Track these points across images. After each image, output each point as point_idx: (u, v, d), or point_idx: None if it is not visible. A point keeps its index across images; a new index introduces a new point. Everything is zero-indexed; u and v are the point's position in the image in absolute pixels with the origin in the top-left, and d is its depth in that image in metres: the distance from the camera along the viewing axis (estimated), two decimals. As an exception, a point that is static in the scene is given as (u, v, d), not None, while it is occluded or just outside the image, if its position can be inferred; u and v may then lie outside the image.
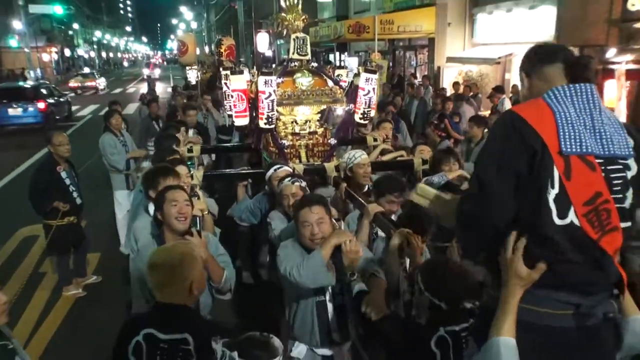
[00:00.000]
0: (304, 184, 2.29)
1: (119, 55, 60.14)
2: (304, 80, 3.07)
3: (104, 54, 50.03)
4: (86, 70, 26.83)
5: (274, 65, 4.37)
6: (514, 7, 7.85)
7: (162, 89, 15.73)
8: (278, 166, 2.54)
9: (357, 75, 3.12)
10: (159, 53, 79.42)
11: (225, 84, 3.55)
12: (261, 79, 2.75)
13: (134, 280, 1.82)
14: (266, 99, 2.79)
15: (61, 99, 12.10)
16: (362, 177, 2.51)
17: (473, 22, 9.42)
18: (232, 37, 11.15)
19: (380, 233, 2.09)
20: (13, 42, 24.81)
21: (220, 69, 4.20)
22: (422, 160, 2.85)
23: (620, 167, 1.03)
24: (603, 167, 1.01)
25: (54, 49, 30.82)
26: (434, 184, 2.55)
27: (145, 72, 25.60)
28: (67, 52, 35.83)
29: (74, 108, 13.18)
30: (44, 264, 3.85)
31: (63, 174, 3.33)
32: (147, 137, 4.96)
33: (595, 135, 1.02)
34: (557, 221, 1.00)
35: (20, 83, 14.17)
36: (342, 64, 12.42)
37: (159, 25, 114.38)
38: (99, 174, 5.25)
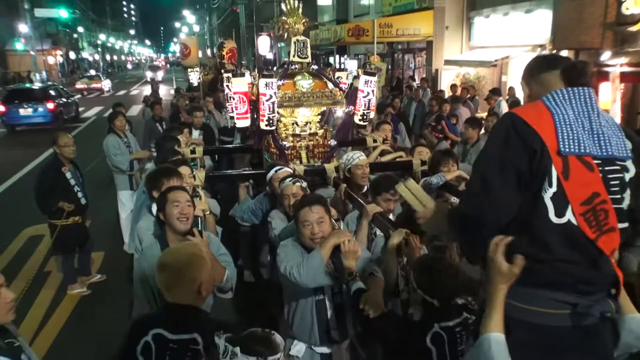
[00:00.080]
0: (304, 184, 2.31)
1: (123, 58, 60.52)
2: (305, 83, 3.11)
3: (108, 57, 50.36)
4: (92, 72, 27.06)
5: (274, 68, 4.42)
6: (511, 10, 7.90)
7: (165, 91, 15.83)
8: (279, 167, 2.56)
9: (356, 77, 3.15)
10: (162, 56, 79.81)
11: (227, 86, 3.59)
12: (262, 82, 2.79)
13: (136, 281, 1.84)
14: (267, 101, 2.83)
15: (69, 100, 12.45)
16: (361, 177, 2.53)
17: (470, 26, 9.48)
18: (234, 40, 11.19)
19: (379, 232, 2.12)
20: (19, 45, 25.06)
21: (222, 71, 4.25)
22: (420, 162, 2.88)
23: (618, 168, 1.05)
24: (601, 168, 1.03)
25: (59, 52, 31.10)
26: (433, 184, 2.58)
27: (149, 74, 25.75)
28: (72, 55, 36.14)
29: (79, 109, 13.43)
30: (49, 263, 3.90)
31: (68, 175, 3.38)
32: (150, 138, 5.02)
33: (593, 137, 1.03)
34: (554, 219, 1.01)
35: (31, 84, 14.51)
36: (342, 66, 12.48)
37: (162, 28, 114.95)
38: (103, 174, 5.31)
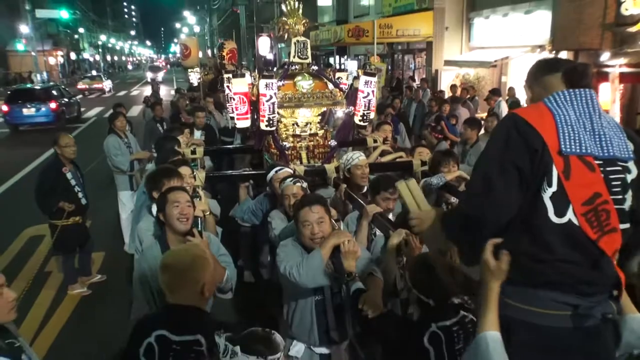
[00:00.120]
0: (305, 184, 2.32)
1: (124, 58, 60.64)
2: (305, 83, 3.11)
3: (108, 58, 50.45)
4: (93, 73, 27.17)
5: (275, 69, 4.43)
6: (510, 11, 7.92)
7: (166, 92, 15.85)
8: (279, 168, 2.57)
9: (356, 78, 3.16)
10: (163, 56, 79.96)
11: (228, 86, 3.60)
12: (262, 82, 2.79)
13: (135, 281, 1.84)
14: (267, 101, 2.83)
15: (71, 100, 12.65)
16: (360, 178, 2.53)
17: (470, 26, 9.50)
18: (234, 40, 11.22)
19: (379, 232, 2.12)
20: (20, 46, 25.15)
21: (223, 72, 4.26)
22: (420, 162, 2.89)
23: (620, 169, 1.05)
24: (602, 169, 1.03)
25: (59, 53, 31.17)
26: (433, 185, 2.58)
27: (149, 75, 25.77)
28: (73, 56, 36.24)
29: (81, 110, 13.56)
30: (50, 263, 3.91)
31: (68, 175, 3.39)
32: (151, 139, 5.02)
33: (594, 137, 1.04)
34: (554, 219, 1.02)
35: (34, 85, 14.71)
36: (342, 67, 12.51)
37: (162, 29, 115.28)
38: (104, 175, 5.32)
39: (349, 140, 3.43)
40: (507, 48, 7.86)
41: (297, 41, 3.08)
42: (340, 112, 3.38)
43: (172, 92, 11.92)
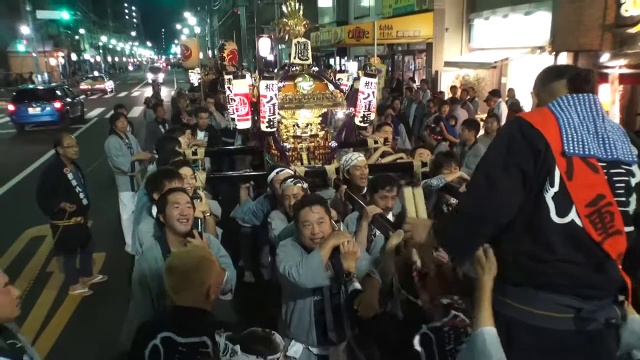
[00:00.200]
0: (305, 185, 2.32)
1: (124, 59, 60.73)
2: (305, 84, 3.12)
3: (109, 59, 50.54)
4: (95, 73, 27.30)
5: (275, 70, 4.44)
6: (510, 13, 7.94)
7: (167, 93, 15.88)
8: (280, 169, 2.57)
9: (357, 79, 3.17)
10: (163, 57, 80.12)
11: (228, 87, 3.62)
12: (263, 83, 2.80)
13: (134, 281, 1.84)
14: (268, 102, 2.84)
15: (75, 100, 13.00)
16: (359, 178, 2.53)
17: (470, 28, 9.52)
18: (235, 42, 11.29)
19: (379, 232, 2.13)
20: (21, 47, 25.21)
21: (224, 73, 4.27)
22: (421, 163, 2.90)
23: (624, 171, 1.05)
24: (606, 171, 1.03)
25: (60, 54, 31.23)
26: (433, 186, 2.58)
27: (149, 76, 25.83)
28: (74, 57, 36.31)
29: (84, 110, 13.74)
30: (51, 263, 3.92)
31: (70, 176, 3.40)
32: (153, 140, 5.03)
33: (598, 140, 1.04)
34: (556, 219, 1.02)
35: (39, 85, 15.05)
36: (342, 68, 12.52)
37: (163, 30, 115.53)
38: (105, 175, 5.33)
39: (350, 141, 3.45)
40: (507, 49, 7.89)
41: (298, 42, 3.10)
42: (340, 113, 3.39)
43: (173, 93, 11.95)
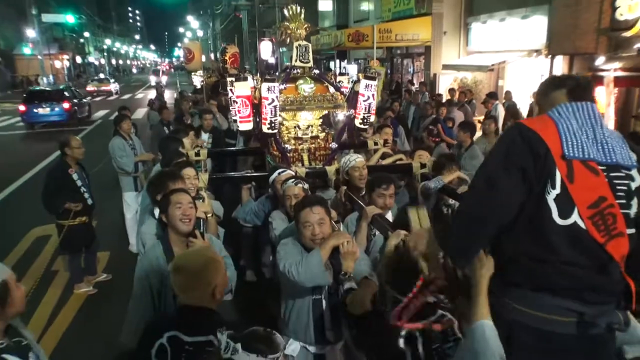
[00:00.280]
0: (306, 186, 2.35)
1: (128, 62, 61.12)
2: (306, 87, 3.16)
3: (113, 61, 50.89)
4: (101, 76, 27.59)
5: (277, 72, 4.49)
6: (507, 16, 7.97)
7: (170, 95, 15.99)
8: (281, 170, 2.61)
9: (357, 81, 3.20)
10: (166, 60, 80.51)
11: (231, 90, 3.67)
12: (264, 86, 2.85)
13: (136, 280, 1.84)
14: (269, 104, 2.89)
15: (82, 101, 13.60)
16: (358, 179, 2.55)
17: (468, 31, 9.57)
18: (237, 45, 11.39)
19: (379, 232, 2.16)
20: (27, 50, 25.49)
21: (226, 75, 4.33)
22: (420, 164, 2.93)
23: (624, 175, 1.07)
24: (606, 174, 1.05)
25: (65, 56, 31.55)
26: (431, 188, 2.61)
27: (152, 79, 26.01)
28: (79, 59, 36.63)
29: (91, 110, 14.10)
30: (56, 262, 3.97)
31: (74, 176, 3.45)
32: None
33: (597, 145, 1.07)
34: (558, 221, 1.03)
35: (47, 87, 15.44)
36: (342, 71, 12.58)
37: (166, 33, 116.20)
38: (109, 176, 5.39)
39: (350, 143, 3.48)
40: (504, 52, 7.94)
41: (299, 45, 3.14)
42: (341, 115, 3.43)
43: (176, 95, 12.06)
